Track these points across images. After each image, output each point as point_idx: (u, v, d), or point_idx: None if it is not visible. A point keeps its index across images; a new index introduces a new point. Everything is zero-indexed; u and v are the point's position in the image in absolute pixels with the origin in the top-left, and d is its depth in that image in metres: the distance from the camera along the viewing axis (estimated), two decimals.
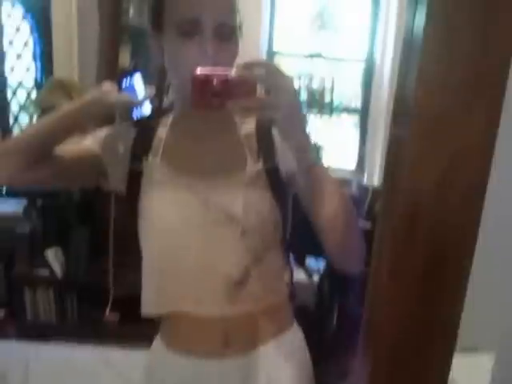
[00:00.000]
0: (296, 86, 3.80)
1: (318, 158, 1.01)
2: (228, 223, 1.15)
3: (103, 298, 3.38)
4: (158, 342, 1.29)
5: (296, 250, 1.31)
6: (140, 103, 1.20)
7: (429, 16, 0.56)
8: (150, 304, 1.25)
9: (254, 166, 1.19)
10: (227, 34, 1.10)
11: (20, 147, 1.16)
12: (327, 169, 1.05)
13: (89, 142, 1.23)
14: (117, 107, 1.17)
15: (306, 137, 0.98)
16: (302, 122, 0.98)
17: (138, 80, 1.18)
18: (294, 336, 1.31)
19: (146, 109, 1.21)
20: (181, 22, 1.07)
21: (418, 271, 0.59)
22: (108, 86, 1.17)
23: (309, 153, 0.99)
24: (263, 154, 1.20)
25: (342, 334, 3.45)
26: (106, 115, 1.20)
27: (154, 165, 1.21)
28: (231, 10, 1.12)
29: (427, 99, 0.57)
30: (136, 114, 1.26)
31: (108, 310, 1.26)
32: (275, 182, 1.19)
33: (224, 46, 1.09)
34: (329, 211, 1.02)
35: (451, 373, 0.61)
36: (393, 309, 0.60)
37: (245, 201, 1.16)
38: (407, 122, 0.61)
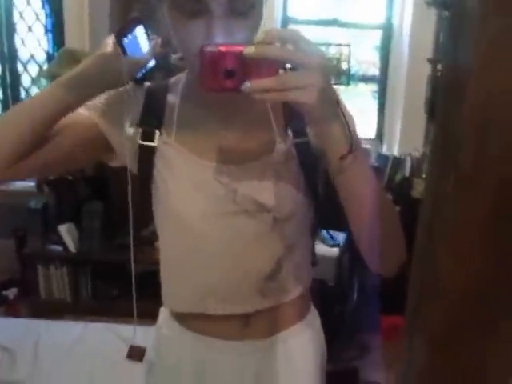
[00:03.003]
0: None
1: (356, 145, 0.82)
2: (258, 213, 1.02)
3: (117, 274, 3.35)
4: (167, 316, 1.18)
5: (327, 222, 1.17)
6: (147, 60, 1.04)
7: None
8: (170, 300, 1.15)
9: (282, 144, 1.02)
10: (243, 6, 0.88)
11: (5, 135, 0.97)
12: (364, 155, 0.89)
13: (89, 116, 1.05)
14: (124, 74, 0.98)
15: (340, 123, 0.81)
16: (335, 106, 0.81)
17: (141, 32, 1.02)
18: (313, 320, 1.23)
19: (151, 63, 1.06)
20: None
21: (491, 199, 0.49)
22: (108, 50, 0.99)
23: (342, 141, 0.82)
24: (292, 125, 1.03)
25: (362, 310, 3.40)
26: (109, 85, 1.02)
27: (168, 144, 1.04)
28: None
29: None
30: (141, 72, 1.06)
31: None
32: (308, 158, 1.03)
33: (240, 23, 0.89)
34: (360, 204, 0.89)
35: None
36: (457, 252, 0.51)
37: (275, 186, 1.01)
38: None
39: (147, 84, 1.10)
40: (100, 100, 1.06)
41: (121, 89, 1.03)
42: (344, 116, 0.82)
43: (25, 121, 0.97)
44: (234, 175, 1.01)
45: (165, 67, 1.16)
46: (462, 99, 0.49)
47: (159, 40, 1.05)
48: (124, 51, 0.98)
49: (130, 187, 1.04)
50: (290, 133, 1.03)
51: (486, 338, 0.52)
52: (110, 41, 1.00)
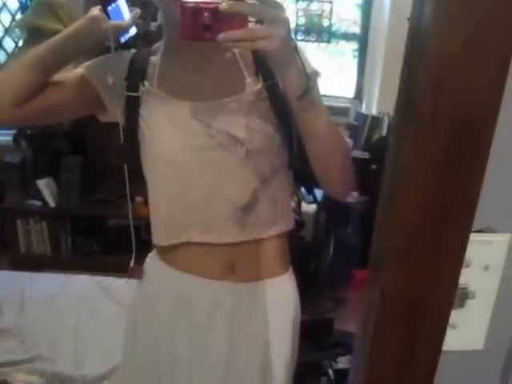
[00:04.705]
0: (294, 9, 3.67)
1: (311, 87, 0.98)
2: (232, 146, 1.12)
3: (97, 229, 3.37)
4: (155, 258, 1.27)
5: (304, 179, 1.30)
6: (129, 26, 1.17)
7: None
8: (159, 235, 1.24)
9: (253, 85, 1.14)
10: None
11: (11, 81, 1.12)
12: (319, 98, 1.06)
13: (82, 72, 1.19)
14: (108, 34, 1.12)
15: (297, 67, 0.96)
16: (293, 53, 0.95)
17: (122, 3, 1.18)
18: (292, 278, 1.31)
19: (132, 31, 1.22)
20: None
21: (443, 143, 0.61)
22: (97, 13, 1.12)
23: (299, 83, 0.97)
24: (261, 70, 1.14)
25: (337, 264, 3.49)
26: (96, 44, 1.16)
27: (150, 92, 1.17)
28: None
29: None
30: (124, 38, 1.21)
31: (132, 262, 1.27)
32: (277, 99, 1.14)
33: None
34: (316, 140, 1.05)
35: (466, 252, 0.66)
36: (415, 179, 0.63)
37: (247, 121, 1.13)
38: None
39: (133, 49, 1.26)
40: (92, 61, 1.22)
41: (109, 54, 1.17)
42: (301, 62, 0.97)
43: (27, 69, 1.12)
44: (208, 112, 1.13)
45: (145, 34, 1.36)
46: (421, 58, 0.60)
47: (138, 10, 1.19)
48: (109, 17, 1.13)
49: None
50: (260, 77, 1.15)
51: (435, 253, 0.65)
52: (96, 9, 1.13)
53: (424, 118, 0.60)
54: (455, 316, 0.70)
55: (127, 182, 1.23)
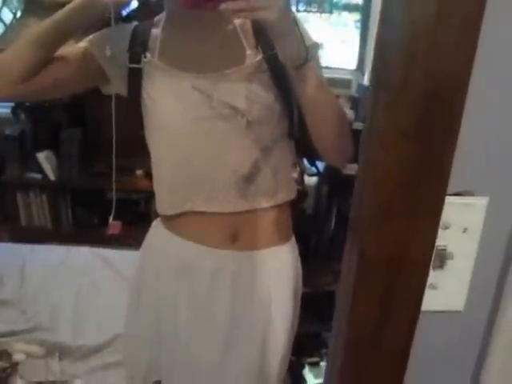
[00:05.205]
0: None
1: (309, 58, 1.01)
2: (233, 116, 1.14)
3: (97, 202, 3.36)
4: (159, 226, 1.31)
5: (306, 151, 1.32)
6: (130, 0, 1.16)
7: None
8: (163, 204, 1.26)
9: (253, 57, 1.16)
10: None
11: (15, 59, 1.14)
12: (318, 69, 1.08)
13: (84, 45, 1.22)
14: (110, 7, 1.11)
15: (296, 38, 0.99)
16: (292, 24, 0.98)
17: None
18: (294, 248, 1.33)
19: (134, 4, 1.17)
20: None
21: (414, 111, 0.62)
22: None
23: (298, 53, 0.99)
24: (261, 42, 1.16)
25: (339, 237, 3.48)
26: (97, 18, 1.16)
27: (152, 64, 1.19)
28: None
29: None
30: (126, 11, 1.20)
31: (112, 218, 1.31)
32: (277, 70, 1.15)
33: None
34: (314, 109, 1.08)
35: (445, 214, 0.68)
36: (388, 145, 0.64)
37: (247, 92, 1.15)
38: None
39: (134, 22, 1.28)
40: (94, 34, 1.24)
41: (111, 27, 1.18)
42: (300, 33, 0.99)
43: (30, 46, 1.14)
44: (209, 83, 1.15)
45: (145, 4, 1.39)
46: (393, 28, 0.62)
47: None
48: None
49: None
50: (259, 49, 1.16)
51: (412, 214, 0.67)
52: None
53: (397, 87, 0.61)
54: (436, 277, 0.72)
55: (114, 150, 1.24)
